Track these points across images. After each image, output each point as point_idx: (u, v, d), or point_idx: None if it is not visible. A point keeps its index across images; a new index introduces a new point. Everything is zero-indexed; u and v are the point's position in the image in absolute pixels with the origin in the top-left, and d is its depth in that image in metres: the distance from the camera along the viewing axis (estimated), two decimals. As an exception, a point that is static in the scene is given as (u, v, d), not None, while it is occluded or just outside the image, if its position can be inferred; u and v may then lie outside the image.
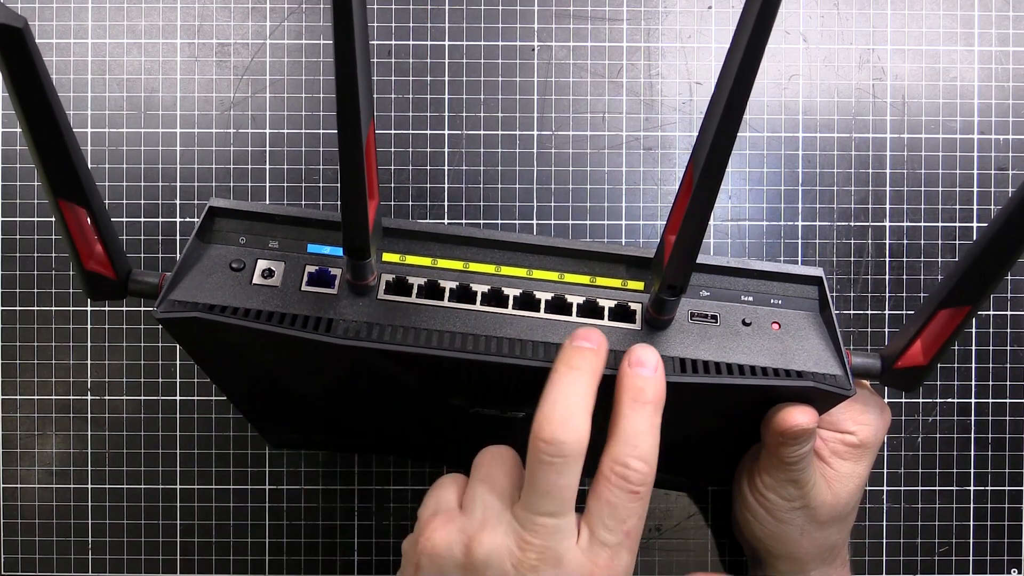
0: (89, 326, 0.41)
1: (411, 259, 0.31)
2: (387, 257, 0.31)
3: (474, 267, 0.31)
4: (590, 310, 0.30)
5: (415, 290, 0.30)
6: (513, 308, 0.30)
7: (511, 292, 0.30)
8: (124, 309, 0.41)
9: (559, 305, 0.30)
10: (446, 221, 0.41)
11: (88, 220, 0.28)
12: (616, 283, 0.31)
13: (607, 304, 0.30)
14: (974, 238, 0.41)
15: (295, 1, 0.41)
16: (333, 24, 0.20)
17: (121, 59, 0.41)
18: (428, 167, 0.41)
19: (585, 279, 0.31)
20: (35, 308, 0.41)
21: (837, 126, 0.41)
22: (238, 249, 0.30)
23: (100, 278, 0.30)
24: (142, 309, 0.41)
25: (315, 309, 0.29)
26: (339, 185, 0.25)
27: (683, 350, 0.29)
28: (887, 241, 0.41)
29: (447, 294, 0.30)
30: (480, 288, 0.30)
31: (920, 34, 0.41)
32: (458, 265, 0.31)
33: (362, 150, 0.24)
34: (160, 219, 0.41)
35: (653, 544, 0.42)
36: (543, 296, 0.30)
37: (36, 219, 0.41)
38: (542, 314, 0.30)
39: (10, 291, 0.41)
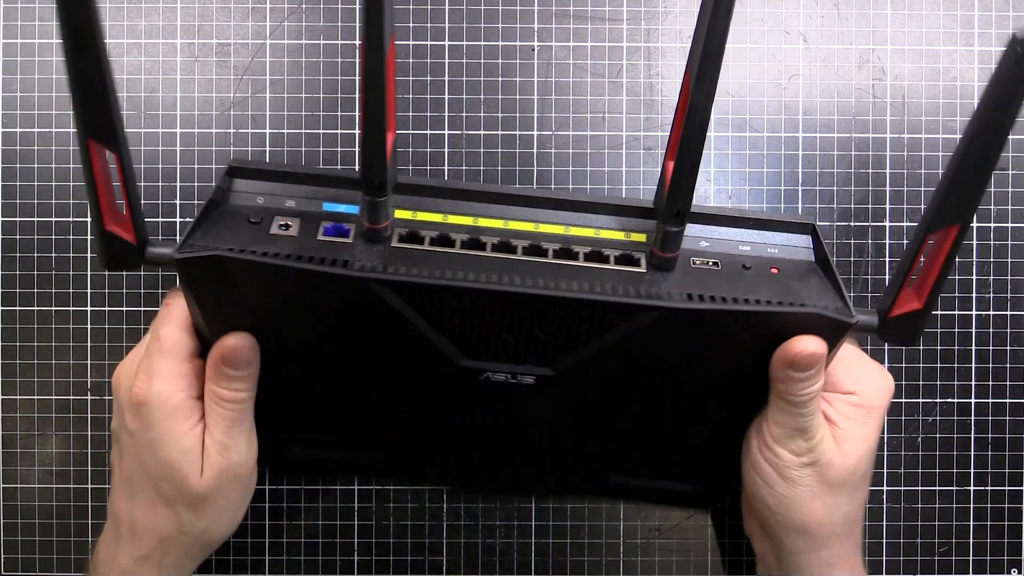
0: (89, 326, 0.41)
1: (422, 215, 0.32)
2: (399, 214, 0.32)
3: (483, 222, 0.32)
4: (596, 257, 0.31)
5: (427, 240, 0.31)
6: (522, 255, 0.31)
7: (519, 243, 0.31)
8: (124, 309, 0.41)
9: (566, 253, 0.31)
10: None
11: (115, 170, 0.29)
12: (620, 235, 0.32)
13: (612, 253, 0.31)
14: (974, 237, 0.41)
15: (295, 1, 0.41)
16: None
17: (121, 59, 0.41)
18: (428, 167, 0.41)
19: (590, 231, 0.32)
20: (35, 308, 0.41)
21: (837, 126, 0.41)
22: (256, 207, 0.32)
23: (119, 241, 0.30)
24: (142, 309, 0.41)
25: (331, 251, 0.30)
26: (359, 114, 0.26)
27: (689, 289, 0.30)
28: (887, 241, 0.41)
29: (458, 244, 0.31)
30: (489, 240, 0.31)
31: (920, 34, 0.41)
32: (468, 220, 0.32)
33: (385, 72, 0.25)
34: (160, 219, 0.41)
35: (653, 544, 0.42)
36: (550, 246, 0.31)
37: (36, 219, 0.41)
38: (550, 259, 0.31)
39: (10, 291, 0.41)
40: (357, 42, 0.41)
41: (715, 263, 0.31)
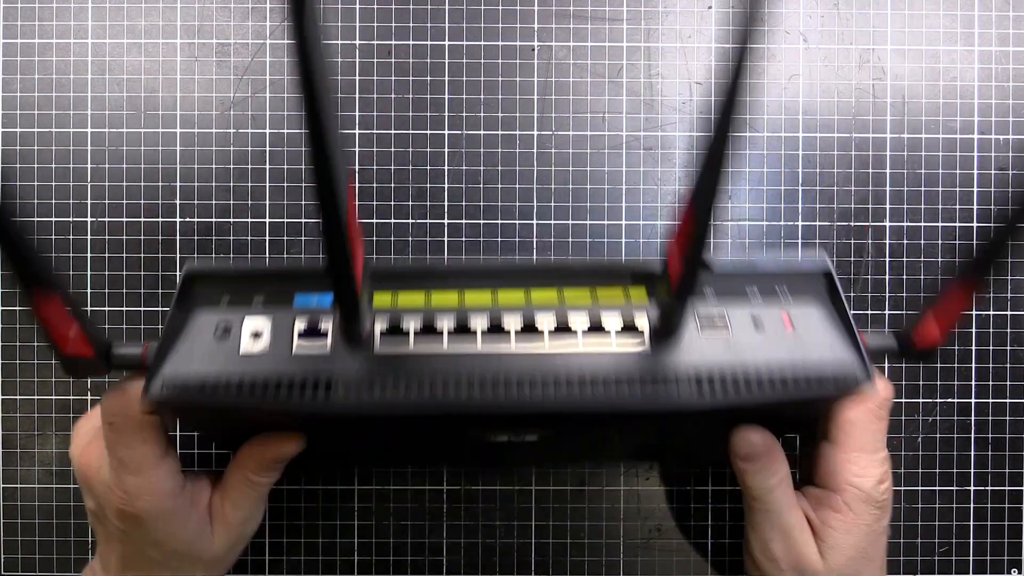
0: (89, 326, 0.41)
1: (404, 298, 0.30)
2: (378, 299, 0.29)
3: (470, 297, 0.30)
4: (595, 329, 0.29)
5: (412, 336, 0.29)
6: (516, 342, 0.28)
7: (511, 322, 0.29)
8: (124, 309, 0.41)
9: (562, 329, 0.29)
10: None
11: (60, 305, 0.27)
12: (618, 293, 0.30)
13: (612, 325, 0.29)
14: (974, 238, 0.41)
15: (295, 1, 0.41)
16: (300, 95, 0.19)
17: (121, 59, 0.41)
18: (428, 167, 0.41)
19: (586, 295, 0.30)
20: (35, 308, 0.41)
21: (837, 126, 0.41)
22: (222, 311, 0.29)
23: (82, 360, 0.28)
24: (142, 309, 0.41)
25: (310, 372, 0.28)
26: (322, 246, 0.23)
27: (695, 360, 0.28)
28: (887, 241, 0.41)
29: (445, 336, 0.28)
30: (479, 323, 0.29)
31: (920, 34, 0.41)
32: (453, 298, 0.30)
33: (343, 213, 0.23)
34: (160, 219, 0.41)
35: (653, 544, 0.42)
36: (545, 320, 0.29)
37: (35, 219, 0.41)
38: (546, 346, 0.28)
39: (10, 291, 0.41)
40: (357, 42, 0.41)
41: (722, 318, 0.29)
